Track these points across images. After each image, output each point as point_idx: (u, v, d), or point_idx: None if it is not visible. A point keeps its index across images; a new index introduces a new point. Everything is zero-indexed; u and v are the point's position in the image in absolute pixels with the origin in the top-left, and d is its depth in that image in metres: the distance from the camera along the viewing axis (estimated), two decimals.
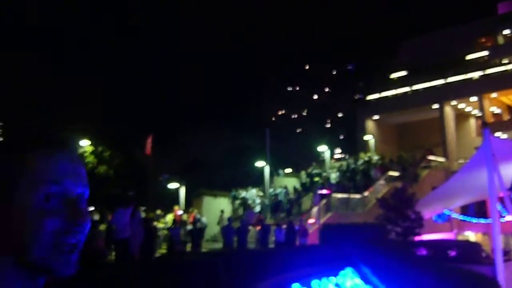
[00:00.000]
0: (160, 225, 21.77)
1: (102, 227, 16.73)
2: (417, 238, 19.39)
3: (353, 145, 42.68)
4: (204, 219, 22.25)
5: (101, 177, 33.88)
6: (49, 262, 0.90)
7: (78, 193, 0.96)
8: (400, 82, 44.96)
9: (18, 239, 0.89)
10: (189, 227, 21.47)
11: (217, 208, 25.54)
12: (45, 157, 0.94)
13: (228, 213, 25.62)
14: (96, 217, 21.81)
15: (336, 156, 39.53)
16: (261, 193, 28.10)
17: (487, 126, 6.89)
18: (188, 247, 18.48)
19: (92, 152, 33.22)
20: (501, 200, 6.84)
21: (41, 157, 0.94)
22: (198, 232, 18.64)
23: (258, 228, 19.75)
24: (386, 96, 44.70)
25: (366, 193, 27.10)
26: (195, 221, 20.36)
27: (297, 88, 45.13)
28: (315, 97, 44.49)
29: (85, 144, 32.11)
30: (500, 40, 43.51)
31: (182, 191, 26.88)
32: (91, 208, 28.43)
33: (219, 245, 20.24)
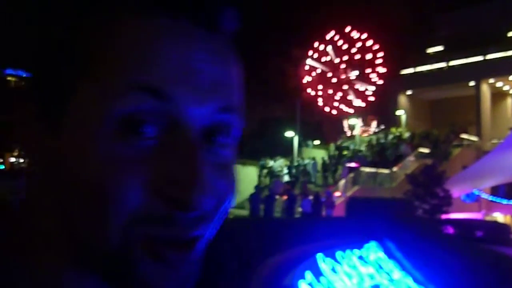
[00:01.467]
0: None
1: None
2: (444, 216, 19.27)
3: (385, 120, 42.15)
4: None
5: None
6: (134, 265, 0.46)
7: (205, 125, 0.48)
8: (437, 57, 43.90)
9: (74, 210, 0.47)
10: None
11: (245, 176, 25.79)
12: (148, 31, 0.45)
13: (256, 181, 25.85)
14: None
15: (367, 129, 39.09)
16: (288, 163, 28.20)
17: None
18: None
19: None
20: None
21: (137, 30, 0.45)
22: None
23: (285, 197, 19.92)
24: (421, 71, 43.79)
25: (395, 169, 26.91)
26: None
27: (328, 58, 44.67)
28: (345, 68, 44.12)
29: None
30: None
31: None
32: None
33: (245, 212, 20.54)
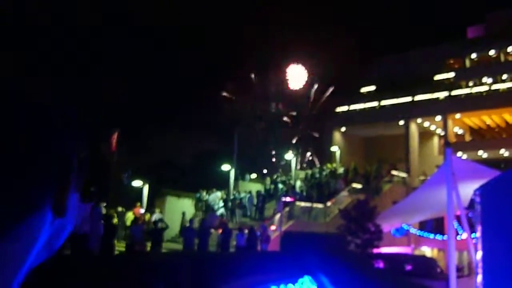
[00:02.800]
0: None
1: None
2: (375, 250, 19.72)
3: (321, 155, 43.12)
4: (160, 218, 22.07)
5: None
6: None
7: None
8: (369, 97, 45.75)
9: None
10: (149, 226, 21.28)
11: (180, 209, 25.36)
12: None
13: (191, 214, 25.46)
14: None
15: (303, 165, 39.81)
16: (225, 196, 28.05)
17: (449, 146, 7.11)
18: (147, 247, 18.27)
19: None
20: (458, 218, 7.06)
21: None
22: (159, 232, 18.45)
23: (220, 231, 19.70)
24: (355, 109, 45.39)
25: (329, 203, 27.40)
26: (157, 221, 20.15)
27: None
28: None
29: None
30: (468, 63, 44.80)
31: (146, 190, 26.59)
32: None
33: (179, 246, 20.09)
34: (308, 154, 43.18)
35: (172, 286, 7.46)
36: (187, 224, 19.30)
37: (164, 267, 8.20)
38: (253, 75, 47.02)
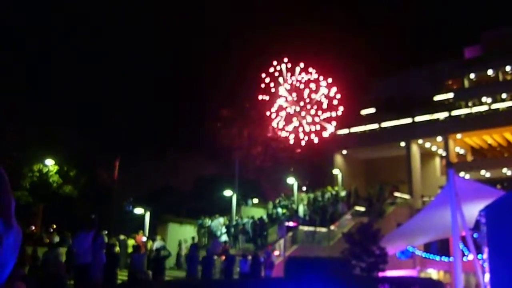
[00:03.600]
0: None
1: (63, 250, 16.27)
2: (381, 274, 19.44)
3: (322, 178, 43.00)
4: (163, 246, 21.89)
5: (65, 197, 33.19)
6: None
7: None
8: (369, 119, 45.86)
9: None
10: (151, 253, 21.10)
11: (182, 236, 25.18)
12: None
13: (193, 241, 25.26)
14: (57, 239, 21.22)
15: (304, 189, 39.64)
16: (227, 222, 27.87)
17: (451, 166, 7.07)
18: (150, 275, 18.05)
19: (57, 172, 32.58)
20: (463, 239, 6.97)
21: None
22: (161, 260, 18.26)
23: (223, 258, 19.50)
24: (355, 132, 45.46)
25: (332, 227, 27.19)
26: (159, 248, 19.96)
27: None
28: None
29: (49, 163, 31.48)
30: (466, 83, 45.04)
31: (147, 217, 26.47)
32: (51, 229, 27.73)
33: (181, 274, 19.87)
34: (309, 177, 43.06)
35: None
36: (183, 253, 19.24)
37: None
38: (247, 105, 47.49)
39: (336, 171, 40.91)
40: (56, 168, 32.48)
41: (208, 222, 27.60)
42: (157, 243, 22.41)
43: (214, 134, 47.08)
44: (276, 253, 22.82)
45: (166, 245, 22.56)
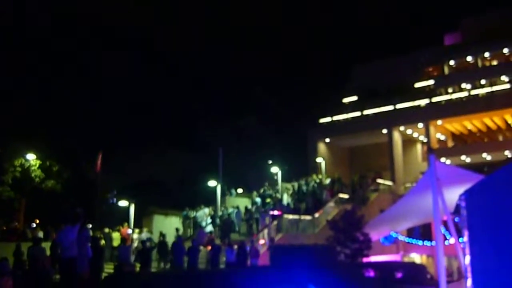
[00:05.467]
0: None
1: (47, 245, 16.18)
2: (365, 259, 19.72)
3: (305, 167, 43.22)
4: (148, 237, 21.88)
5: (48, 192, 32.87)
6: None
7: None
8: (352, 107, 46.10)
9: None
10: (137, 245, 21.11)
11: (168, 227, 25.14)
12: None
13: (179, 232, 25.28)
14: (40, 234, 21.07)
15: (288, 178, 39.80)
16: (212, 213, 27.89)
17: (432, 152, 7.19)
18: (137, 267, 18.07)
19: (39, 166, 32.21)
20: (445, 223, 7.11)
21: None
22: (148, 251, 18.28)
23: (209, 248, 19.58)
24: (338, 120, 45.71)
25: (316, 215, 27.40)
26: (145, 240, 19.96)
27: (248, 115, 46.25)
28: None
29: (31, 158, 31.12)
30: (446, 70, 45.51)
31: (132, 210, 26.37)
32: (34, 225, 27.49)
33: (167, 265, 19.90)
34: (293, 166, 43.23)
35: None
36: (168, 244, 19.36)
37: (154, 287, 8.12)
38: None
39: (319, 160, 41.13)
40: (38, 162, 32.10)
41: (193, 213, 27.60)
42: (144, 235, 22.43)
43: (196, 125, 46.97)
44: (262, 242, 22.96)
45: (152, 236, 22.57)
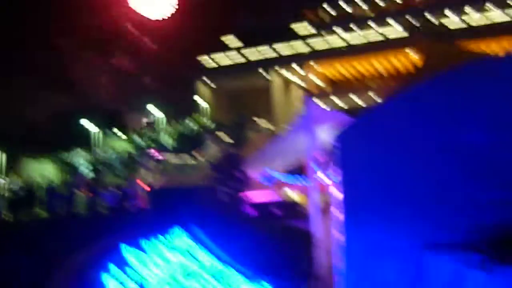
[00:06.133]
0: None
1: None
2: (244, 197, 20.44)
3: (189, 110, 42.80)
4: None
5: None
6: None
7: None
8: (234, 49, 46.10)
9: None
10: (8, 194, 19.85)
11: (41, 173, 23.87)
12: None
13: (54, 178, 24.11)
14: None
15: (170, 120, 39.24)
16: (90, 156, 26.93)
17: (309, 94, 7.50)
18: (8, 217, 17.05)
19: None
20: (318, 162, 7.59)
21: None
22: (20, 200, 17.28)
23: (87, 192, 19.00)
24: (220, 64, 45.61)
25: (199, 157, 27.65)
26: (16, 188, 18.81)
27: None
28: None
29: None
30: (322, 14, 46.82)
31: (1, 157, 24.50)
32: None
33: (43, 212, 19.04)
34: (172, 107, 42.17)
35: (37, 253, 7.10)
36: (50, 187, 18.40)
37: (28, 235, 7.75)
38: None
39: (202, 103, 41.04)
40: None
41: (68, 156, 26.41)
42: (15, 184, 21.13)
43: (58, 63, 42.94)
44: (144, 185, 22.75)
45: (22, 183, 21.31)
